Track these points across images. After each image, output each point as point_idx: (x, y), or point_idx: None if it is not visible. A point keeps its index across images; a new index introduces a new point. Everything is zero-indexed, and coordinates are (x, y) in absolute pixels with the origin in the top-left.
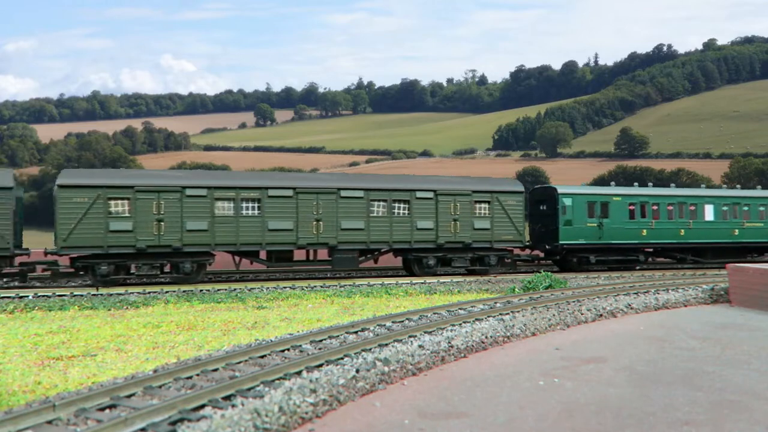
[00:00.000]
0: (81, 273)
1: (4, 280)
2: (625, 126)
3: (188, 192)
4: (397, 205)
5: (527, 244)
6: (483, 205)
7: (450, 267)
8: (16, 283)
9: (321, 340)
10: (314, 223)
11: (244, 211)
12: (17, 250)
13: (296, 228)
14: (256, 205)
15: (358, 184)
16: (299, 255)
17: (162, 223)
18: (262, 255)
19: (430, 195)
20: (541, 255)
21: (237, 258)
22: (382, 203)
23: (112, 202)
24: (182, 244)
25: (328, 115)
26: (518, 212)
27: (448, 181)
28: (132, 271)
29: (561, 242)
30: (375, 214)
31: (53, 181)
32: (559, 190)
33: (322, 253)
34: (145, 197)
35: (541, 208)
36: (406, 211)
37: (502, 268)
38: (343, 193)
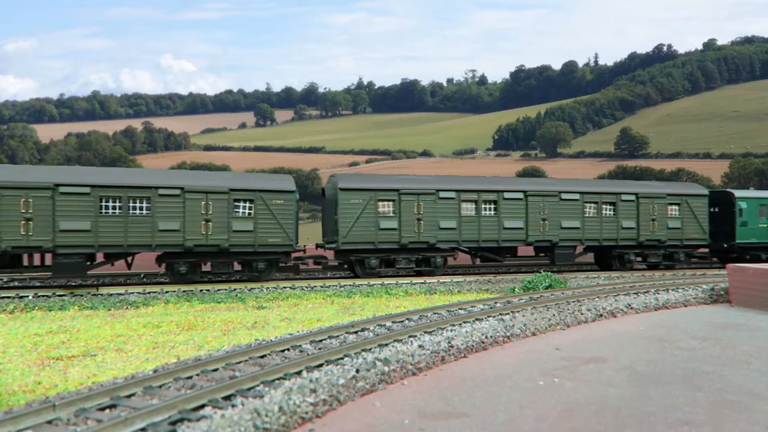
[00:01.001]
0: (345, 266)
1: (278, 273)
2: (625, 126)
3: (441, 194)
4: (605, 206)
5: (709, 243)
6: (674, 207)
7: (645, 262)
8: (290, 275)
9: (321, 340)
10: (540, 222)
11: (483, 212)
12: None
13: (526, 227)
14: (492, 206)
15: (576, 188)
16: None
17: (420, 222)
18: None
19: (632, 198)
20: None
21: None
22: (593, 205)
23: (380, 203)
24: (436, 240)
25: (328, 115)
26: (703, 213)
27: (646, 185)
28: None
29: (738, 241)
30: (588, 215)
31: None
32: (736, 195)
33: (536, 250)
34: (408, 199)
35: (713, 210)
36: (612, 212)
37: (686, 264)
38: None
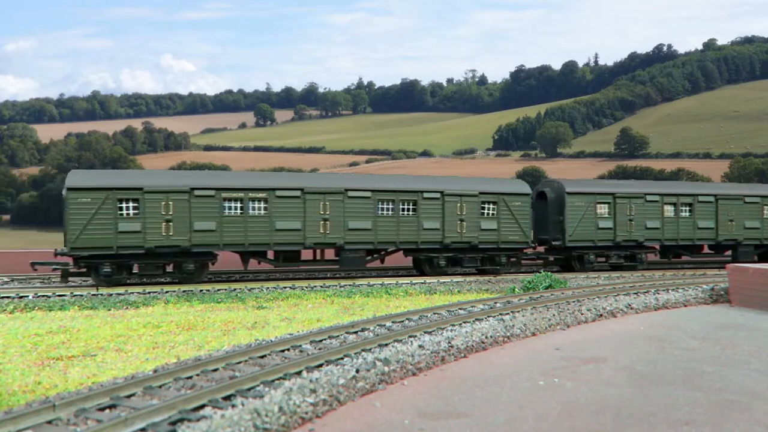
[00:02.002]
0: (562, 262)
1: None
2: (625, 126)
3: (648, 198)
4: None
5: None
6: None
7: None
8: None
9: (321, 340)
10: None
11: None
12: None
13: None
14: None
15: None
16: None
17: (631, 222)
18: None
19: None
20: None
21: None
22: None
23: (599, 206)
24: (644, 239)
25: (328, 115)
26: None
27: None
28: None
29: None
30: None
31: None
32: None
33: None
34: (621, 202)
35: None
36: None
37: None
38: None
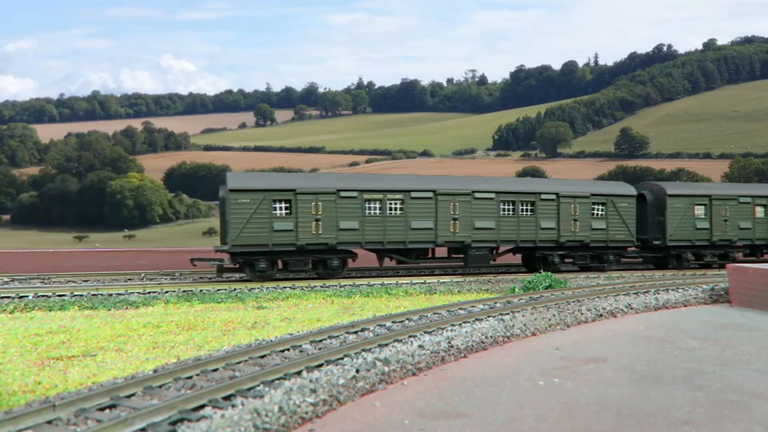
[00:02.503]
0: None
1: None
2: (625, 126)
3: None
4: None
5: None
6: None
7: None
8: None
9: (321, 340)
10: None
11: None
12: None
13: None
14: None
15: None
16: None
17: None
18: None
19: None
20: None
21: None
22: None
23: (696, 208)
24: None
25: (328, 115)
26: None
27: None
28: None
29: None
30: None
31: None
32: None
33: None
34: (717, 204)
35: None
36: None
37: None
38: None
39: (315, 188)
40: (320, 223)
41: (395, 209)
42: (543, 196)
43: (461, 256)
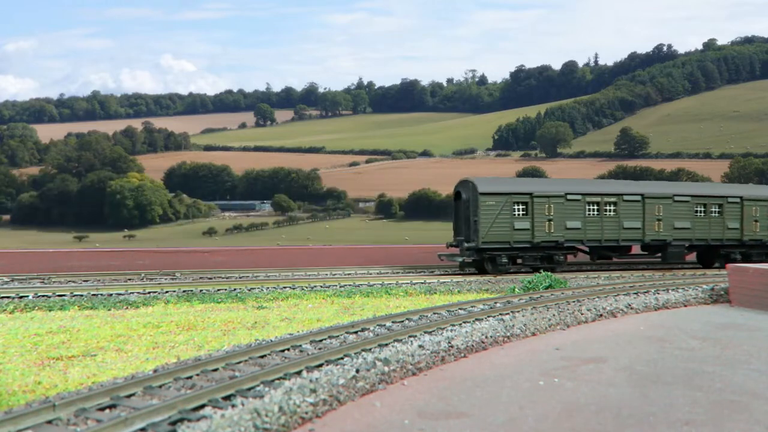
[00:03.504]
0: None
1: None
2: (625, 126)
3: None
4: None
5: None
6: None
7: None
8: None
9: (321, 340)
10: None
11: None
12: None
13: None
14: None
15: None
16: None
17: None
18: None
19: None
20: None
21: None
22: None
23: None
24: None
25: (328, 115)
26: None
27: None
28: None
29: None
30: None
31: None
32: None
33: None
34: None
35: None
36: None
37: None
38: None
39: (548, 192)
40: (552, 222)
41: (610, 211)
42: (730, 200)
43: (658, 254)
